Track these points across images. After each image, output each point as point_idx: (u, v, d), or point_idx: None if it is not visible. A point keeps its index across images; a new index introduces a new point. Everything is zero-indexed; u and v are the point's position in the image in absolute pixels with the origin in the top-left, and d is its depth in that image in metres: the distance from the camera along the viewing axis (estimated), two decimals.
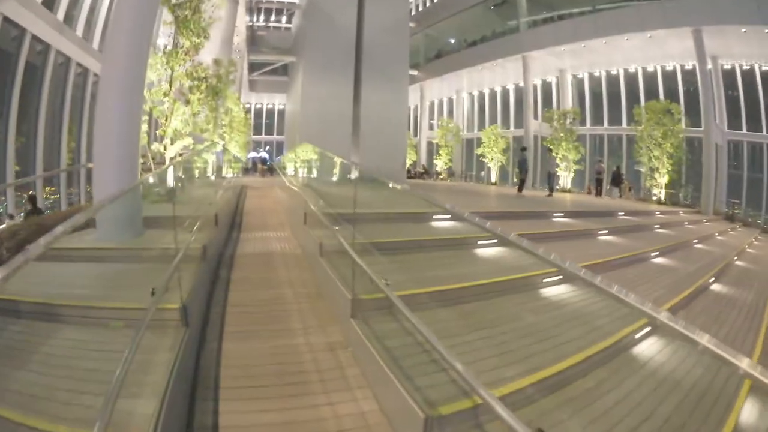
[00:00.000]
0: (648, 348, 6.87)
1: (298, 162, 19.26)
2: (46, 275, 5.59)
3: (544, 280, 8.41)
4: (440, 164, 51.79)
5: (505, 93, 52.67)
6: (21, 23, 20.92)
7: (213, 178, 19.93)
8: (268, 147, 65.07)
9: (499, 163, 45.57)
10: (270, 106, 65.33)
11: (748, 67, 35.82)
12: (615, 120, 43.18)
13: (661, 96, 37.72)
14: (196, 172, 15.37)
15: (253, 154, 55.42)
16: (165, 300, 5.17)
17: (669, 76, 39.71)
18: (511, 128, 50.12)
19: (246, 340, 6.26)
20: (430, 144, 60.86)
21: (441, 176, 51.03)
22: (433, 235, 10.38)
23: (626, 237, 15.21)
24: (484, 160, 46.37)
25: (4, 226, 13.50)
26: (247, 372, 5.49)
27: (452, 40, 55.81)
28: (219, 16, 19.47)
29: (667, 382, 5.95)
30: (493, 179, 45.82)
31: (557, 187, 29.69)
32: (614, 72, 42.96)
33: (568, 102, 44.97)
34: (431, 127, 62.15)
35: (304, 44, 34.48)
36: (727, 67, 36.42)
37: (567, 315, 7.49)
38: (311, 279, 8.73)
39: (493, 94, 54.50)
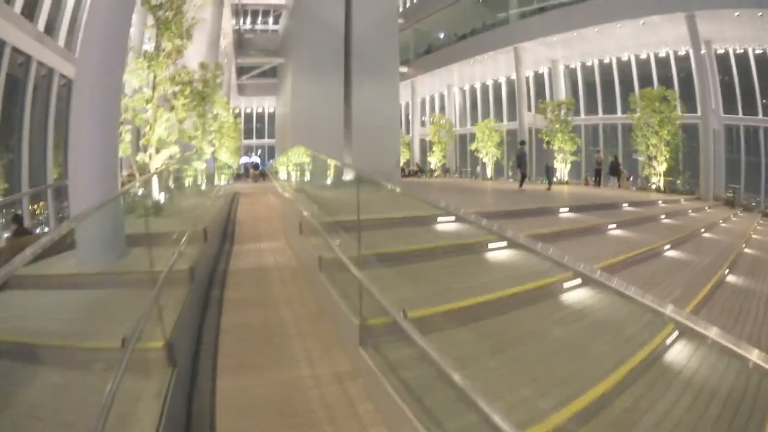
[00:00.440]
0: (679, 355, 6.45)
1: (291, 166, 18.59)
2: (18, 307, 5.35)
3: (564, 286, 7.93)
4: (434, 161, 51.41)
5: (497, 86, 52.51)
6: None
7: (204, 187, 19.44)
8: (259, 151, 64.59)
9: (494, 158, 45.04)
10: (260, 110, 64.85)
11: (742, 51, 35.89)
12: (609, 109, 43.07)
13: (655, 83, 37.63)
14: (185, 182, 14.74)
15: (244, 160, 54.95)
16: (146, 338, 4.56)
17: (662, 63, 39.66)
18: (505, 122, 49.95)
19: (243, 374, 5.56)
20: (422, 141, 60.69)
21: (435, 173, 50.48)
22: (440, 241, 9.60)
23: (636, 230, 14.80)
24: (478, 155, 45.73)
25: None
26: (247, 413, 4.82)
27: (442, 35, 55.71)
28: (203, 17, 18.89)
29: (705, 393, 5.58)
30: (489, 174, 45.26)
31: (555, 179, 29.08)
32: (607, 60, 42.83)
33: (561, 93, 44.72)
34: (423, 124, 61.95)
35: (292, 45, 34.15)
36: (721, 51, 36.48)
37: (593, 325, 6.94)
38: (310, 296, 8.00)
39: (485, 88, 54.30)
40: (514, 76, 46.25)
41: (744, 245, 17.19)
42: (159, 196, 12.36)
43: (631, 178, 36.74)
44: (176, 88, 15.09)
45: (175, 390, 4.42)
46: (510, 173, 49.43)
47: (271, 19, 57.24)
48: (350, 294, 6.23)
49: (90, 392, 3.94)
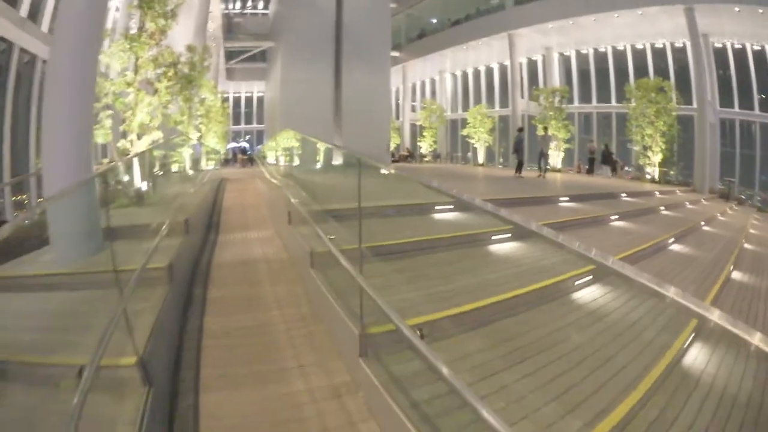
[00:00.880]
0: (699, 357, 6.19)
1: (280, 151, 18.02)
2: None
3: (576, 283, 7.48)
4: (425, 146, 50.77)
5: (490, 72, 51.86)
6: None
7: (189, 173, 18.82)
8: (248, 137, 63.76)
9: (486, 144, 44.52)
10: (249, 95, 63.83)
11: (740, 46, 35.63)
12: (603, 98, 42.74)
13: (651, 74, 37.47)
14: (169, 168, 14.11)
15: (232, 145, 54.26)
16: (116, 353, 3.96)
17: (659, 54, 39.37)
18: (497, 108, 49.44)
19: (229, 388, 4.89)
20: (413, 126, 60.08)
21: (426, 158, 49.83)
22: (441, 233, 8.97)
23: (638, 222, 14.66)
24: (470, 140, 45.18)
25: None
26: None
27: (435, 20, 55.03)
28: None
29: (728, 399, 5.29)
30: (480, 160, 44.76)
31: (548, 166, 28.67)
32: (602, 49, 42.37)
33: (555, 80, 44.25)
34: (414, 109, 61.31)
35: (282, 28, 33.94)
36: (718, 45, 36.08)
37: (612, 327, 6.53)
38: (302, 295, 7.31)
39: (477, 74, 53.66)
40: (507, 63, 46.07)
41: (744, 240, 16.96)
42: (141, 183, 11.80)
43: (625, 168, 36.62)
44: (159, 71, 14.30)
45: (152, 413, 3.83)
46: (501, 159, 49.14)
47: (261, 3, 56.36)
48: (347, 296, 5.65)
49: (60, 416, 3.22)
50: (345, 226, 6.78)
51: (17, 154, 23.17)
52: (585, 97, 44.14)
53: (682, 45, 36.65)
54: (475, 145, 44.98)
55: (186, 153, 18.56)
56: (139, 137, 13.03)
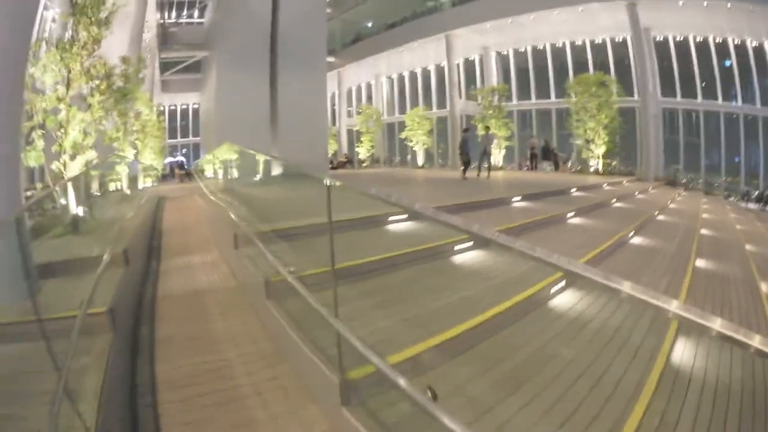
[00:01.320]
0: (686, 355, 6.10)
1: (218, 165, 17.30)
2: None
3: (551, 291, 7.30)
4: (363, 152, 50.64)
5: (426, 74, 52.21)
6: None
7: (128, 192, 18.04)
8: (185, 150, 62.45)
9: (425, 146, 44.87)
10: (185, 107, 62.56)
11: (682, 39, 36.75)
12: (542, 94, 43.22)
13: (590, 69, 38.22)
14: (105, 190, 13.29)
15: (169, 160, 53.04)
16: None
17: (598, 49, 40.16)
18: (434, 109, 49.47)
19: None
20: (350, 132, 59.87)
21: (365, 164, 49.58)
22: (401, 247, 8.30)
23: (595, 218, 14.75)
24: (408, 144, 45.43)
25: None
26: None
27: (370, 24, 54.84)
28: (127, 9, 17.43)
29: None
30: (420, 162, 45.09)
31: (489, 165, 28.34)
32: (540, 47, 42.85)
33: (493, 79, 44.48)
34: (350, 114, 61.22)
35: (217, 37, 33.85)
36: (659, 38, 37.09)
37: (597, 335, 6.31)
38: (259, 330, 6.56)
39: (413, 76, 54.04)
40: (443, 64, 46.18)
41: (700, 227, 17.18)
42: (77, 209, 11.01)
43: (567, 162, 37.40)
44: (92, 84, 13.32)
45: None
46: (440, 160, 49.13)
47: (196, 12, 55.38)
48: (313, 331, 5.11)
49: None
50: (298, 248, 6.63)
51: None
52: (523, 95, 44.65)
53: (621, 40, 37.66)
54: (414, 148, 45.15)
55: (123, 172, 17.80)
56: (72, 158, 12.09)
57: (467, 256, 8.67)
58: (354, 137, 55.72)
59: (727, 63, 35.73)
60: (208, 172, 21.32)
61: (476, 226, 3.31)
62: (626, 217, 15.53)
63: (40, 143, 11.47)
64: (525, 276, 7.18)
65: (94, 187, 11.96)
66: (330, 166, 41.58)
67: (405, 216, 9.58)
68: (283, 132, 27.38)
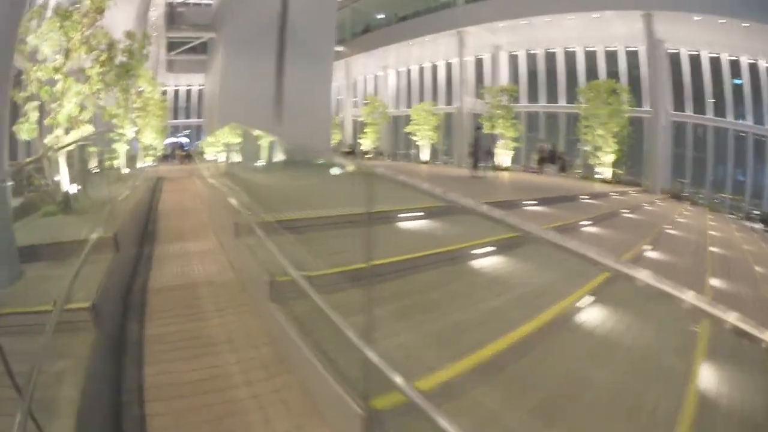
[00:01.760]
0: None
1: (221, 147, 16.76)
2: None
3: (577, 305, 6.67)
4: (367, 143, 49.99)
5: (435, 69, 51.75)
6: None
7: (126, 170, 18.08)
8: (188, 131, 61.83)
9: (431, 141, 44.28)
10: (189, 88, 62.01)
11: (695, 53, 36.65)
12: (552, 98, 42.95)
13: (602, 76, 38.00)
14: (101, 166, 12.69)
15: (171, 140, 52.48)
16: None
17: (610, 57, 39.89)
18: (441, 105, 49.08)
19: None
20: (355, 122, 59.32)
21: (368, 155, 48.63)
22: (418, 249, 7.59)
23: (607, 227, 14.34)
24: (414, 138, 44.86)
25: None
26: None
27: (381, 15, 54.20)
28: None
29: None
30: (425, 158, 44.63)
31: (488, 164, 27.75)
32: (552, 50, 42.42)
33: (502, 79, 43.99)
34: (356, 105, 60.46)
35: (224, 19, 33.53)
36: (672, 51, 36.85)
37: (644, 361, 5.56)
38: (259, 331, 5.86)
39: (422, 71, 53.53)
40: (453, 60, 46.11)
41: (709, 244, 16.81)
42: (69, 186, 10.48)
43: (572, 168, 37.29)
44: (93, 56, 12.63)
45: None
46: (445, 157, 48.78)
47: None
48: (329, 346, 4.43)
49: None
50: (308, 242, 6.15)
51: None
52: (532, 97, 44.19)
53: (634, 49, 37.37)
54: (418, 143, 44.53)
55: (121, 149, 17.71)
56: (66, 132, 11.44)
57: (487, 262, 8.09)
58: (358, 128, 55.27)
59: (738, 81, 35.65)
60: (209, 155, 20.98)
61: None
62: (638, 228, 15.24)
63: (34, 115, 10.84)
64: (552, 286, 6.85)
65: (91, 164, 11.42)
66: None
67: (420, 213, 9.19)
68: (286, 119, 26.97)
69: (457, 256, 7.85)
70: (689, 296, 2.03)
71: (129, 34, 17.57)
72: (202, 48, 48.94)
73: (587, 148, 33.65)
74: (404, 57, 52.48)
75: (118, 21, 15.93)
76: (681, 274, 10.93)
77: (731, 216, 35.39)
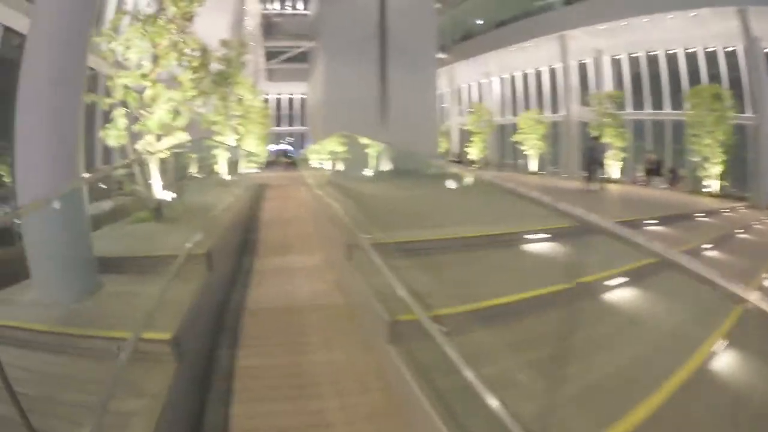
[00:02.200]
0: None
1: (329, 156, 16.15)
2: None
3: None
4: (474, 152, 48.40)
5: (539, 76, 49.70)
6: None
7: (227, 177, 17.82)
8: (291, 139, 62.54)
9: (539, 151, 42.37)
10: (291, 96, 62.88)
11: None
12: (657, 104, 40.43)
13: (703, 79, 35.52)
14: (201, 172, 12.20)
15: (274, 147, 53.06)
16: None
17: (711, 58, 36.96)
18: (547, 113, 46.94)
19: None
20: (461, 131, 57.72)
21: (475, 165, 47.38)
22: (552, 281, 6.04)
23: (730, 253, 12.74)
24: (521, 147, 43.05)
25: None
26: None
27: (481, 21, 52.98)
28: None
29: None
30: (533, 168, 42.89)
31: (602, 176, 26.34)
32: (654, 53, 40.18)
33: (606, 85, 41.97)
34: (460, 113, 59.11)
35: (323, 28, 33.74)
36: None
37: None
38: (371, 374, 4.91)
39: (525, 78, 51.59)
40: (556, 66, 44.35)
41: None
42: (163, 193, 10.03)
43: (681, 181, 34.49)
44: (184, 62, 12.10)
45: None
46: (552, 167, 47.02)
47: (300, 3, 55.43)
48: (460, 410, 3.50)
49: None
50: (429, 268, 5.35)
51: None
52: (636, 104, 41.77)
53: (732, 49, 34.67)
54: (526, 152, 43.00)
55: (222, 156, 17.57)
56: (159, 139, 10.91)
57: (620, 296, 6.82)
58: (464, 137, 53.72)
59: None
60: (314, 162, 20.69)
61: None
62: (760, 254, 14.08)
63: (121, 122, 10.38)
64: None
65: (188, 170, 10.96)
66: None
67: (546, 235, 7.94)
68: (391, 126, 26.43)
69: (589, 290, 6.52)
70: None
71: (224, 42, 17.35)
72: (302, 57, 49.02)
73: (696, 159, 31.31)
74: (507, 63, 50.61)
75: (212, 30, 15.67)
76: None
77: None
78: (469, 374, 3.26)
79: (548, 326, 5.16)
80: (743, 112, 31.64)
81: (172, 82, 11.62)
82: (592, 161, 23.01)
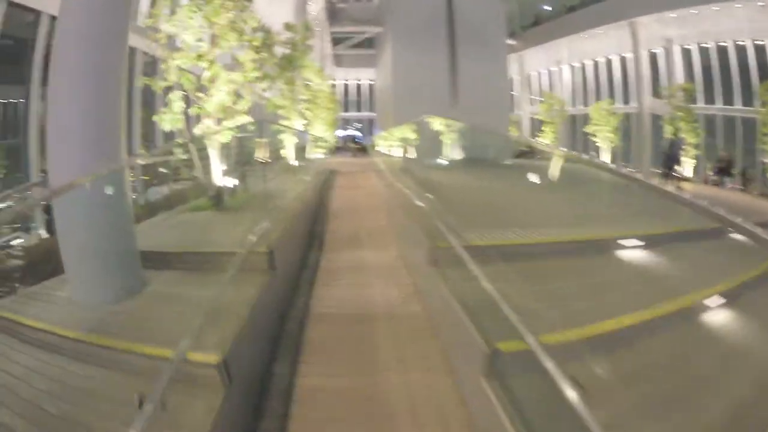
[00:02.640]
0: None
1: (398, 142, 15.51)
2: None
3: None
4: (545, 142, 46.85)
5: (610, 65, 47.83)
6: (34, 6, 17.32)
7: (294, 163, 17.48)
8: (359, 124, 62.52)
9: (612, 144, 40.54)
10: (358, 82, 63.29)
11: None
12: (727, 99, 38.11)
13: None
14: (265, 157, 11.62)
15: (343, 132, 53.15)
16: None
17: None
18: (618, 104, 45.19)
19: None
20: (531, 120, 56.33)
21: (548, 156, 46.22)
22: (673, 297, 5.07)
23: None
24: (594, 139, 41.16)
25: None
26: None
27: (548, 7, 51.75)
28: None
29: None
30: (605, 160, 40.83)
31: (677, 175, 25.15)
32: (723, 44, 37.76)
33: (678, 77, 39.83)
34: (531, 102, 57.69)
35: (390, 13, 33.29)
36: None
37: None
38: (457, 407, 4.03)
39: (596, 66, 49.73)
40: (627, 55, 42.78)
41: None
42: (224, 179, 9.57)
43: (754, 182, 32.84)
44: (245, 42, 11.47)
45: None
46: (623, 162, 45.48)
47: None
48: None
49: None
50: (527, 277, 4.31)
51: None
52: (707, 98, 39.28)
53: None
54: (599, 145, 41.32)
55: (289, 141, 17.50)
56: (218, 123, 10.33)
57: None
58: (535, 126, 52.58)
59: None
60: (386, 149, 20.40)
61: None
62: None
63: (177, 105, 9.96)
64: None
65: (253, 156, 10.40)
66: None
67: (641, 243, 6.62)
68: (463, 114, 25.77)
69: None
70: None
71: (288, 26, 16.97)
72: (369, 43, 49.36)
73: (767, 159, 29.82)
74: (577, 51, 49.06)
75: (275, 17, 15.65)
76: None
77: None
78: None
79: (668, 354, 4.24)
80: None
81: (235, 65, 11.12)
82: (671, 158, 21.82)
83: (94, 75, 5.04)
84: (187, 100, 10.20)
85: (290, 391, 4.27)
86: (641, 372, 3.75)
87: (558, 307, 4.13)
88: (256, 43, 11.24)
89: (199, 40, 10.15)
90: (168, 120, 9.80)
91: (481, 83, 28.81)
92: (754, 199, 25.62)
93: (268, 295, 5.13)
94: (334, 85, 42.69)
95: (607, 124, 39.08)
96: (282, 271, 6.03)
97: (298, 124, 20.77)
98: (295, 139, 18.54)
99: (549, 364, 2.82)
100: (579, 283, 5.34)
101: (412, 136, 13.03)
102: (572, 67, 51.18)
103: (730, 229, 2.70)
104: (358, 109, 62.28)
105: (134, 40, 19.51)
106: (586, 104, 46.46)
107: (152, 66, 11.17)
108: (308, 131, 24.47)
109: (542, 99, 49.06)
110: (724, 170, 30.73)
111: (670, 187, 20.03)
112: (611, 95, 44.38)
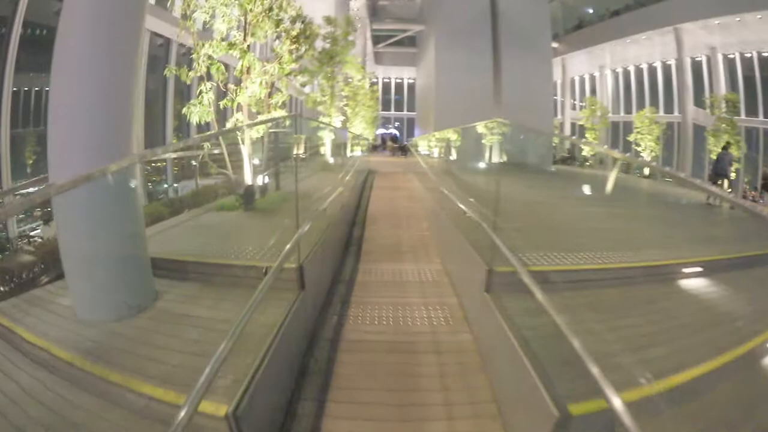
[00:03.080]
0: None
1: (439, 143, 14.92)
2: None
3: None
4: (587, 149, 45.95)
5: (653, 72, 47.15)
6: None
7: (330, 160, 17.25)
8: (398, 124, 62.20)
9: (653, 153, 39.39)
10: (399, 80, 63.39)
11: None
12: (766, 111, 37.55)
13: None
14: (300, 155, 11.07)
15: (382, 131, 53.10)
16: None
17: None
18: (661, 112, 44.05)
19: None
20: (573, 125, 55.61)
21: (588, 163, 45.13)
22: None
23: None
24: (637, 148, 40.07)
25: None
26: None
27: (591, 10, 50.87)
28: None
29: None
30: (646, 172, 39.99)
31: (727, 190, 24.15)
32: (766, 54, 37.08)
33: (720, 86, 39.00)
34: (574, 107, 56.90)
35: (432, 12, 33.40)
36: None
37: None
38: None
39: (639, 72, 49.14)
40: (669, 62, 42.18)
41: None
42: (254, 179, 9.12)
43: None
44: (282, 32, 10.88)
45: None
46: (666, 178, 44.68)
47: None
48: None
49: None
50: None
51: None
52: (750, 110, 38.18)
53: None
54: (641, 154, 40.31)
55: (327, 138, 17.41)
56: (252, 116, 9.78)
57: None
58: (577, 132, 51.81)
59: None
60: (427, 150, 20.06)
61: None
62: None
63: (207, 97, 9.53)
64: None
65: (290, 152, 9.91)
66: (551, 160, 39.45)
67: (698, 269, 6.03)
68: (506, 117, 25.25)
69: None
70: None
71: (329, 19, 17.14)
72: (410, 41, 49.42)
73: None
74: (620, 56, 48.61)
75: (317, 11, 15.35)
76: None
77: None
78: None
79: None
80: None
81: (272, 57, 10.60)
82: (719, 173, 20.71)
83: (102, 61, 4.57)
84: (220, 92, 9.74)
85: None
86: None
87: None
88: (294, 33, 10.68)
89: (233, 28, 9.64)
90: (197, 112, 9.35)
91: (525, 86, 28.72)
92: None
93: (293, 321, 4.36)
94: (375, 83, 42.55)
95: (650, 133, 38.25)
96: (312, 292, 5.22)
97: (337, 120, 20.39)
98: (333, 136, 18.35)
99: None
100: (649, 318, 4.63)
101: (454, 137, 12.78)
102: (615, 73, 50.94)
103: None
104: (399, 109, 62.51)
105: (169, 31, 19.35)
106: (628, 111, 46.48)
107: (188, 58, 10.88)
108: (347, 129, 24.08)
109: (584, 105, 47.79)
110: (765, 186, 30.11)
111: (714, 202, 19.20)
112: (653, 103, 43.46)
